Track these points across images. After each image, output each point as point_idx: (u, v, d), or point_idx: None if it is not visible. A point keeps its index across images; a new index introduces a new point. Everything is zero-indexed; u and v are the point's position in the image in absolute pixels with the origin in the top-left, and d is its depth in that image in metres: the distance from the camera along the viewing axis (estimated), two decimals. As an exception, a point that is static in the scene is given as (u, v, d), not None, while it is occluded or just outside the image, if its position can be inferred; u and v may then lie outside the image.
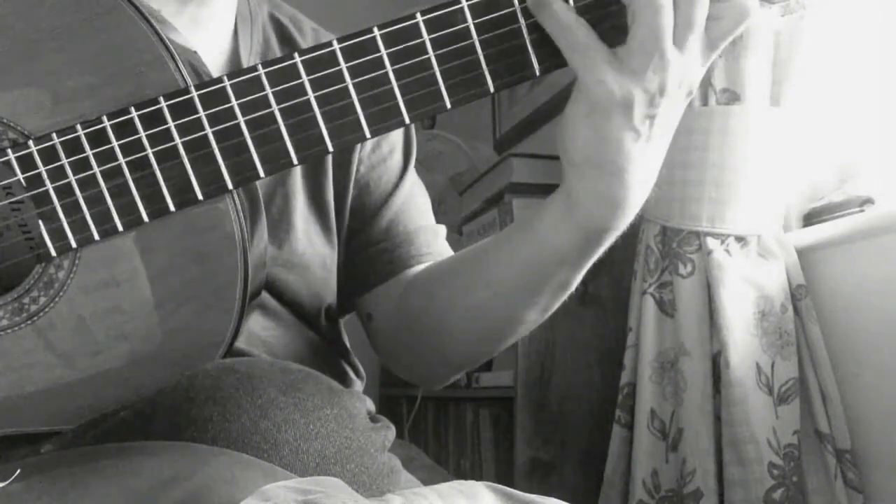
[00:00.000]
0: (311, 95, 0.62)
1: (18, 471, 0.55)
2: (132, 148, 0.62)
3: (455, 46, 0.63)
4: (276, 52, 0.89)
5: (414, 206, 0.95)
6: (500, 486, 0.52)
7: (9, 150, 0.62)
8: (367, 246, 0.92)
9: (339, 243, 0.91)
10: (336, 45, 0.62)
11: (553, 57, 0.64)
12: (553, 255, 0.73)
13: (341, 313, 0.94)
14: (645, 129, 0.64)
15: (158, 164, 0.62)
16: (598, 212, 0.69)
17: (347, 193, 0.91)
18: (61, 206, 0.62)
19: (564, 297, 0.78)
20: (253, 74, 0.62)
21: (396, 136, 0.95)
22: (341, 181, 0.90)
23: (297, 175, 0.87)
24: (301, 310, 0.87)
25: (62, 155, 0.62)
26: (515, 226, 0.79)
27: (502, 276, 0.77)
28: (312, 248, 0.87)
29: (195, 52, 0.78)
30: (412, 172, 0.96)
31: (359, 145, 0.90)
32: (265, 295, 0.83)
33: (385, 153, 0.94)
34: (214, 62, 0.83)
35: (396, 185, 0.94)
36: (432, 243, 0.93)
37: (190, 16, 0.81)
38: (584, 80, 0.63)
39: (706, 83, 1.64)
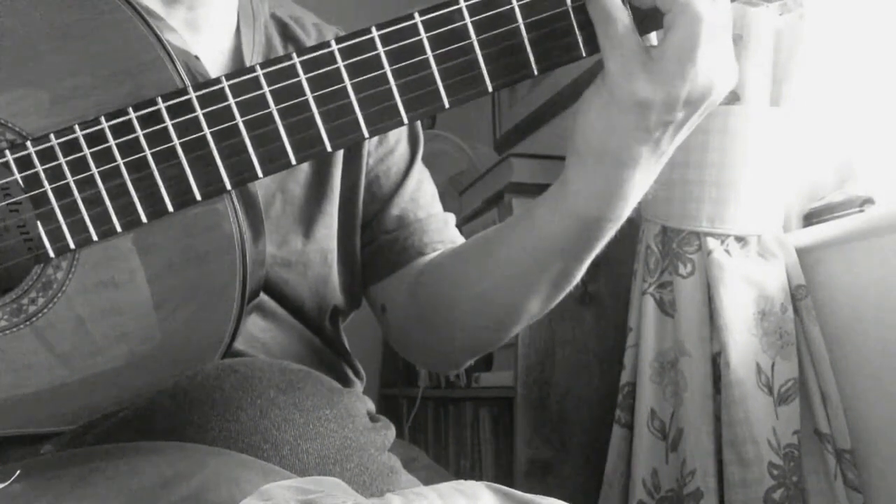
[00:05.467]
0: (309, 95, 0.62)
1: (18, 471, 0.55)
2: (130, 148, 0.62)
3: (453, 46, 0.63)
4: (279, 50, 0.89)
5: (423, 194, 0.96)
6: (500, 486, 0.52)
7: (7, 151, 0.62)
8: (378, 235, 0.92)
9: (353, 235, 0.91)
10: (334, 46, 0.62)
11: (551, 57, 0.64)
12: (551, 244, 0.73)
13: (348, 310, 0.94)
14: (658, 134, 0.64)
15: (157, 164, 0.62)
16: (593, 202, 0.68)
17: (360, 184, 0.91)
18: (59, 206, 0.62)
19: (568, 288, 0.79)
20: (251, 75, 0.62)
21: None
22: (354, 172, 0.90)
23: (301, 170, 0.87)
24: (301, 310, 0.87)
25: (60, 155, 0.62)
26: (517, 216, 0.79)
27: (505, 265, 0.78)
28: (315, 245, 0.87)
29: (196, 57, 0.78)
30: (420, 162, 0.97)
31: None
32: (264, 296, 0.83)
33: (392, 144, 0.94)
34: (216, 62, 0.83)
35: (405, 175, 0.95)
36: (443, 231, 0.93)
37: (182, 19, 0.81)
38: (611, 72, 0.62)
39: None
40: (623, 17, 0.61)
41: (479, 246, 0.84)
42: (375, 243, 0.92)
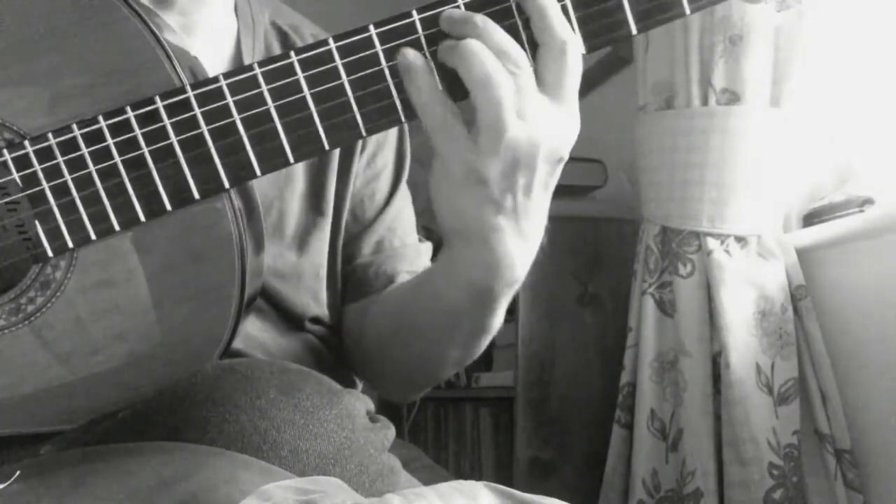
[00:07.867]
0: (307, 93, 0.62)
1: (18, 472, 0.55)
2: (128, 147, 0.62)
3: None
4: None
5: (402, 223, 0.96)
6: (500, 486, 0.52)
7: (4, 150, 0.61)
8: (354, 259, 0.93)
9: (337, 252, 0.92)
10: (332, 44, 0.62)
11: None
12: (455, 309, 0.75)
13: (333, 325, 0.94)
14: (509, 202, 0.64)
15: (154, 163, 0.62)
16: (481, 273, 0.69)
17: (345, 205, 0.91)
18: (58, 205, 0.62)
19: (488, 338, 0.80)
20: (249, 73, 0.62)
21: (389, 151, 0.95)
22: (342, 190, 0.90)
23: (297, 181, 0.87)
24: (296, 318, 0.87)
25: (58, 154, 0.61)
26: (421, 281, 0.83)
27: (419, 322, 0.81)
28: (308, 258, 0.87)
29: (196, 58, 0.78)
30: (404, 186, 0.97)
31: (356, 158, 0.91)
32: (260, 300, 0.83)
33: (379, 168, 0.94)
34: (215, 68, 0.83)
35: (388, 201, 0.95)
36: (415, 261, 0.94)
37: (176, 24, 0.81)
38: (442, 155, 0.63)
39: (706, 83, 1.64)
40: (446, 101, 0.61)
41: (399, 301, 0.86)
42: (349, 266, 0.93)
